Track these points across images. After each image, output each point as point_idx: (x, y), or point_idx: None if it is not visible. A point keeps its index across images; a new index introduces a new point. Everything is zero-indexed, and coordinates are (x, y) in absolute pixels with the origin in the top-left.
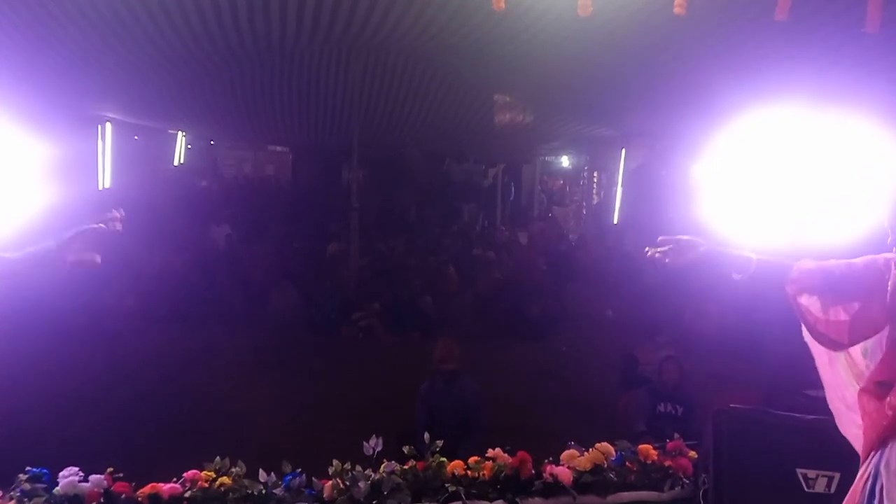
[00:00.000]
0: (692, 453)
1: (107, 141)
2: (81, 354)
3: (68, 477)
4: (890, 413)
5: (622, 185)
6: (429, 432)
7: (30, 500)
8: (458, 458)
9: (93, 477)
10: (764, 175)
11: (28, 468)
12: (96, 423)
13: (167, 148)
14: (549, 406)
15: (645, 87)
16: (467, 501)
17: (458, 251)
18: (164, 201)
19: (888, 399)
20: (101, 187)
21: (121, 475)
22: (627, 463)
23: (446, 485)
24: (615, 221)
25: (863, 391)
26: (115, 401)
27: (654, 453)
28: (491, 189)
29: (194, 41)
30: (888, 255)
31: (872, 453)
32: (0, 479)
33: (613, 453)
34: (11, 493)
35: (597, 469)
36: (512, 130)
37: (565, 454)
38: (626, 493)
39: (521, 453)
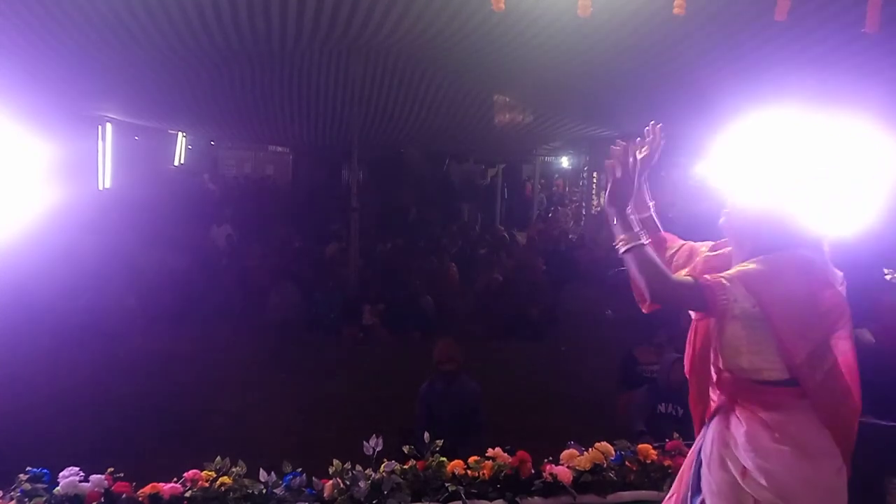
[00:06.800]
0: None
1: (107, 141)
2: (82, 354)
3: (68, 477)
4: None
5: None
6: (429, 432)
7: (30, 500)
8: (457, 458)
9: (93, 477)
10: (763, 175)
11: (28, 468)
12: (96, 423)
13: (167, 148)
14: (548, 406)
15: (645, 87)
16: (467, 501)
17: (458, 251)
18: (164, 201)
19: None
20: (101, 187)
21: (121, 475)
22: (627, 462)
23: (446, 484)
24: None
25: None
26: (115, 401)
27: (653, 453)
28: (491, 189)
29: (194, 41)
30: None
31: None
32: (0, 479)
33: (613, 453)
34: (11, 493)
35: (596, 468)
36: (512, 130)
37: (565, 454)
38: (625, 493)
39: (520, 453)
